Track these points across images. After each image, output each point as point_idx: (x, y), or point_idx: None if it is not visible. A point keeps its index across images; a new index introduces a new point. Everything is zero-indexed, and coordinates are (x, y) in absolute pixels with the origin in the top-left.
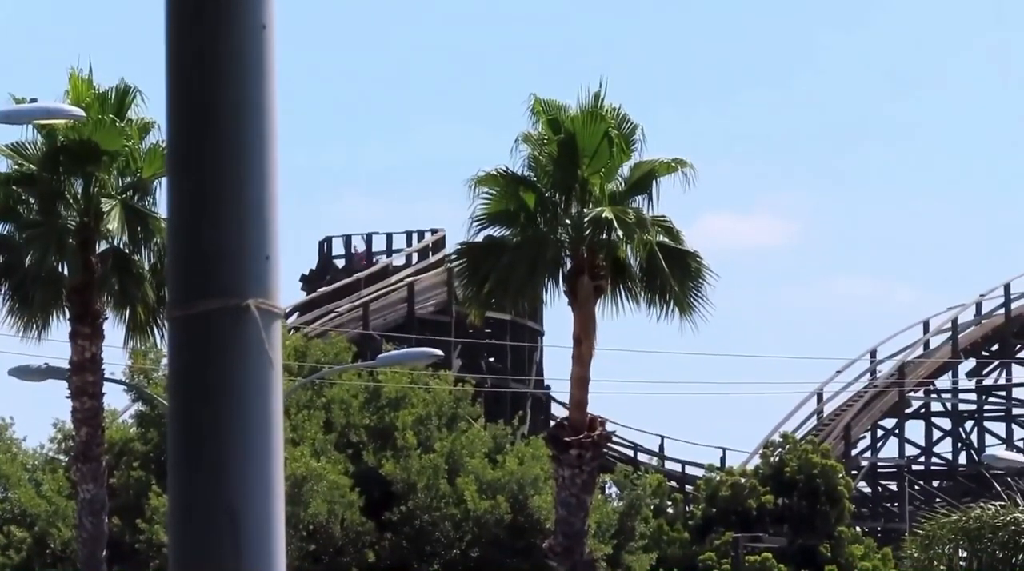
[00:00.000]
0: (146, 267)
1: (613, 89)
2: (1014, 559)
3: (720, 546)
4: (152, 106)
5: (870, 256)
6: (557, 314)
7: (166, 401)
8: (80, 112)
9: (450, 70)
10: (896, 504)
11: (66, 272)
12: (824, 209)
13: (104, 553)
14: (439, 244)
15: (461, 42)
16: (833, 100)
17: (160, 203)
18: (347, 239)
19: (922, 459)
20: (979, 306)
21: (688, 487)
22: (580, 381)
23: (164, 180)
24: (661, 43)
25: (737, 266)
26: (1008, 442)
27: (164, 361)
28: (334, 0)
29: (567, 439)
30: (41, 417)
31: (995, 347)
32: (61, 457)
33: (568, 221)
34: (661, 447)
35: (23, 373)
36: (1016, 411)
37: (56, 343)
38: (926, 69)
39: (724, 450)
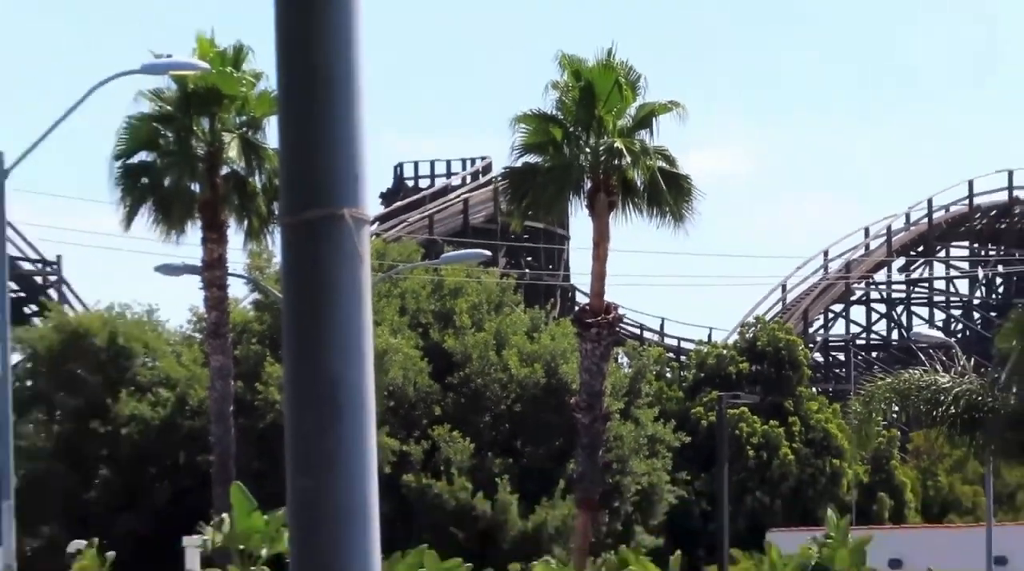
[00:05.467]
0: (259, 186)
1: (622, 44)
2: (935, 412)
3: (707, 402)
4: (261, 60)
5: (820, 176)
6: (580, 223)
7: (278, 292)
8: (206, 65)
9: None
10: (843, 370)
11: (197, 190)
12: (780, 140)
13: (231, 408)
14: (487, 169)
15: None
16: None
17: (269, 137)
18: (415, 165)
19: (863, 336)
20: (908, 216)
21: (682, 357)
22: (598, 275)
23: (273, 118)
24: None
25: (719, 187)
26: (930, 322)
27: (276, 260)
28: None
29: (588, 321)
30: (180, 304)
31: (920, 248)
32: (196, 335)
33: (588, 150)
34: (662, 326)
35: (166, 270)
36: (937, 298)
37: (191, 246)
38: None
39: (711, 329)
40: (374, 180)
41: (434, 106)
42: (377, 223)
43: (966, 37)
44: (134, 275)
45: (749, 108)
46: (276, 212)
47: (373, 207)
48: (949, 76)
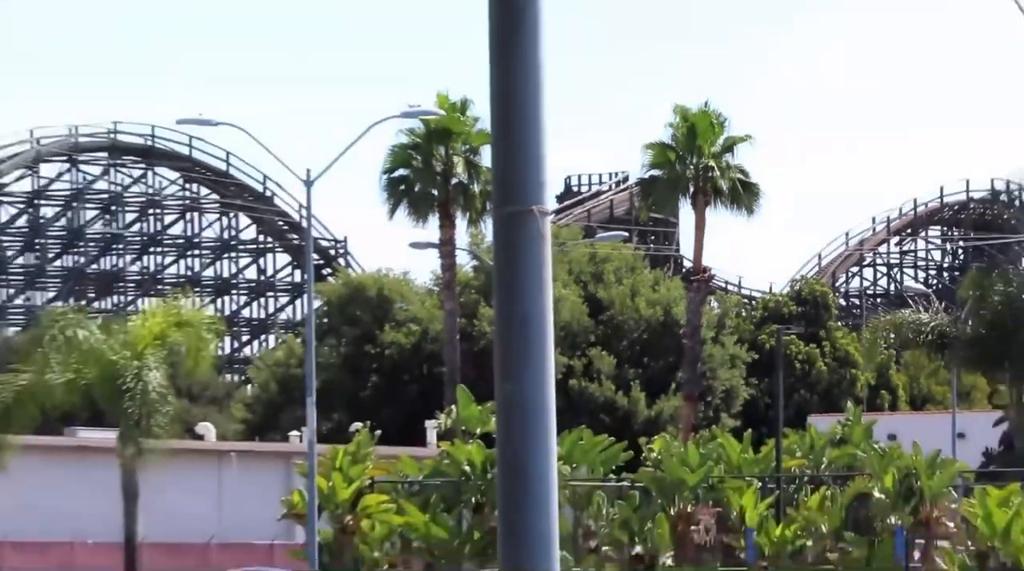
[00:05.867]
0: (476, 191)
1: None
2: (918, 338)
3: (769, 332)
4: (479, 107)
5: (843, 184)
6: (686, 214)
7: (489, 260)
8: (442, 112)
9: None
10: (858, 311)
11: (436, 194)
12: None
13: (457, 336)
14: (625, 179)
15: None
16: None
17: (483, 158)
18: (578, 176)
19: (871, 288)
20: (900, 210)
21: (752, 301)
22: (698, 249)
23: (486, 146)
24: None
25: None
26: (915, 279)
27: (487, 239)
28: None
29: (691, 278)
30: (424, 267)
31: (908, 230)
32: (435, 288)
33: (691, 167)
34: (739, 281)
35: (416, 245)
36: (920, 263)
37: (431, 230)
38: None
39: (771, 283)
40: (551, 186)
41: (589, 132)
42: (553, 215)
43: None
44: (395, 249)
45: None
46: (489, 208)
47: (551, 204)
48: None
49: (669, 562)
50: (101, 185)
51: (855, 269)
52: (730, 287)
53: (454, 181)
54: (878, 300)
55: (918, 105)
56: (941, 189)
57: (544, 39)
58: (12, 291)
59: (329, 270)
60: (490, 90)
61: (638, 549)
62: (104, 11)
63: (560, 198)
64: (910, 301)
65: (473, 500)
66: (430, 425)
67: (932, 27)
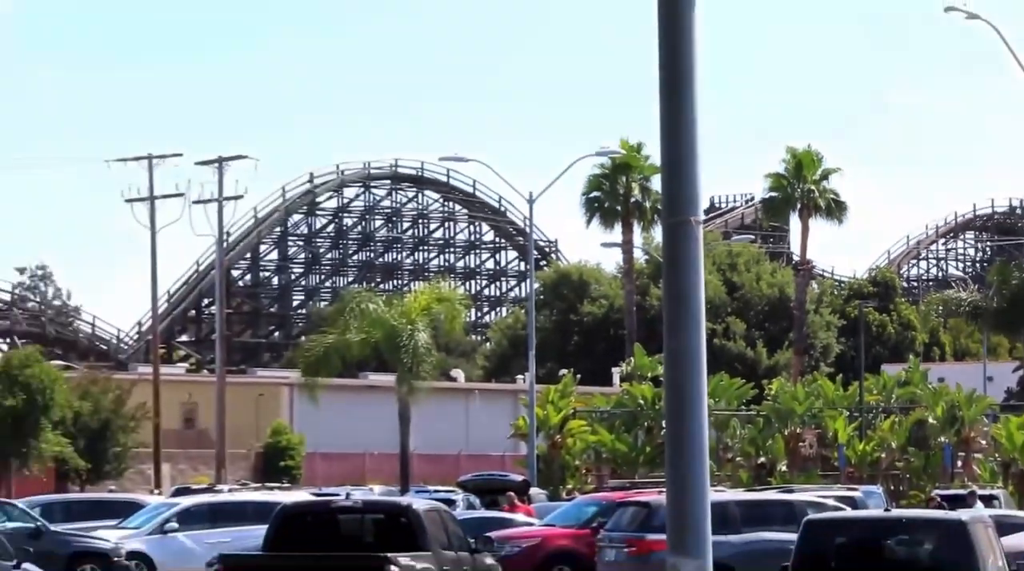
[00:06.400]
0: (648, 206)
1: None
2: (959, 309)
3: (853, 305)
4: (651, 147)
5: (905, 197)
6: (795, 223)
7: (658, 256)
8: (623, 151)
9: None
10: (917, 291)
11: (619, 209)
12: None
13: (634, 308)
14: (752, 198)
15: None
16: None
17: (654, 184)
18: (726, 196)
19: (926, 274)
20: (946, 219)
21: (841, 283)
22: (803, 247)
23: (656, 175)
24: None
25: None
26: (960, 270)
27: (657, 241)
28: None
29: (799, 267)
30: (611, 260)
31: (952, 233)
32: (618, 275)
33: (798, 190)
34: (832, 270)
35: (606, 245)
36: (960, 256)
37: (616, 234)
38: None
39: (855, 270)
40: (702, 202)
41: (723, 162)
42: (703, 223)
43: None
44: (588, 247)
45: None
46: (658, 218)
47: (702, 215)
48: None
49: (783, 469)
50: (386, 203)
51: (914, 261)
52: (825, 274)
53: (632, 200)
54: (930, 283)
55: (959, 135)
56: (974, 205)
57: (700, 94)
58: (322, 277)
59: (545, 262)
60: (660, 133)
61: (761, 459)
62: (381, 66)
63: (707, 211)
64: (952, 284)
65: (645, 424)
66: (615, 371)
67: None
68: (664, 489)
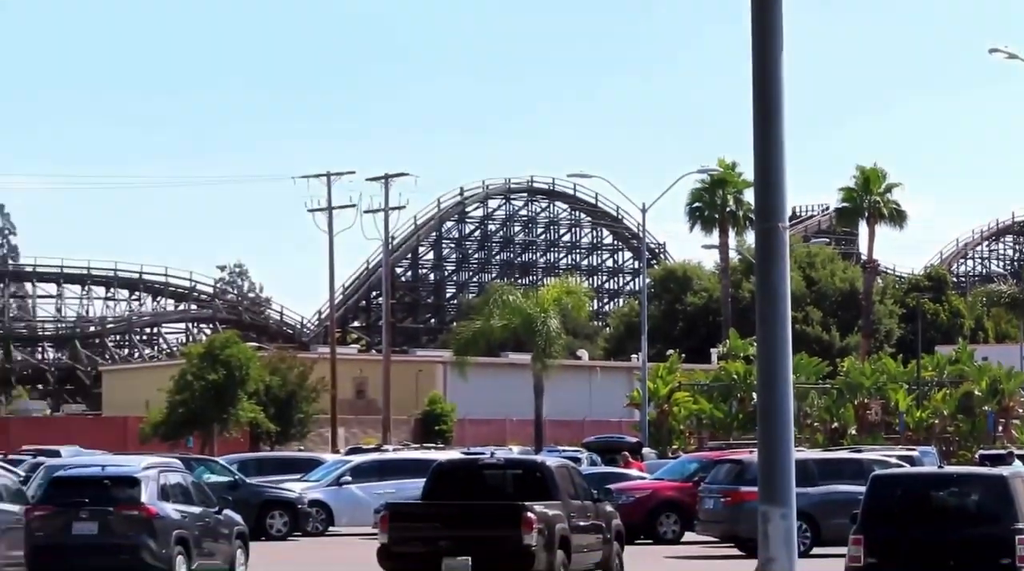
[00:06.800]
0: (740, 214)
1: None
2: (1000, 300)
3: (913, 297)
4: (745, 166)
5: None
6: (863, 229)
7: (750, 256)
8: (720, 169)
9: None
10: (965, 285)
11: (716, 216)
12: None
13: (729, 299)
14: (828, 207)
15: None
16: None
17: (746, 195)
18: (805, 206)
19: (974, 272)
20: (990, 224)
21: (902, 277)
22: (870, 248)
23: (748, 189)
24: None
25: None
26: (1001, 268)
27: (750, 244)
28: None
29: (866, 265)
30: (710, 259)
31: (995, 236)
32: (716, 271)
33: (865, 201)
34: (894, 267)
35: (706, 247)
36: (1001, 257)
37: (714, 238)
38: None
39: (912, 268)
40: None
41: (800, 176)
42: (788, 228)
43: None
44: (691, 249)
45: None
46: (749, 224)
47: (787, 221)
48: None
49: (853, 432)
50: (523, 212)
51: (962, 260)
52: (888, 270)
53: (727, 209)
54: (975, 279)
55: (998, 152)
56: (1012, 213)
57: (786, 116)
58: (470, 273)
59: (655, 261)
60: (753, 153)
61: (835, 425)
62: (520, 95)
63: (790, 218)
64: (994, 279)
65: (738, 395)
66: (713, 351)
67: None
68: (754, 449)
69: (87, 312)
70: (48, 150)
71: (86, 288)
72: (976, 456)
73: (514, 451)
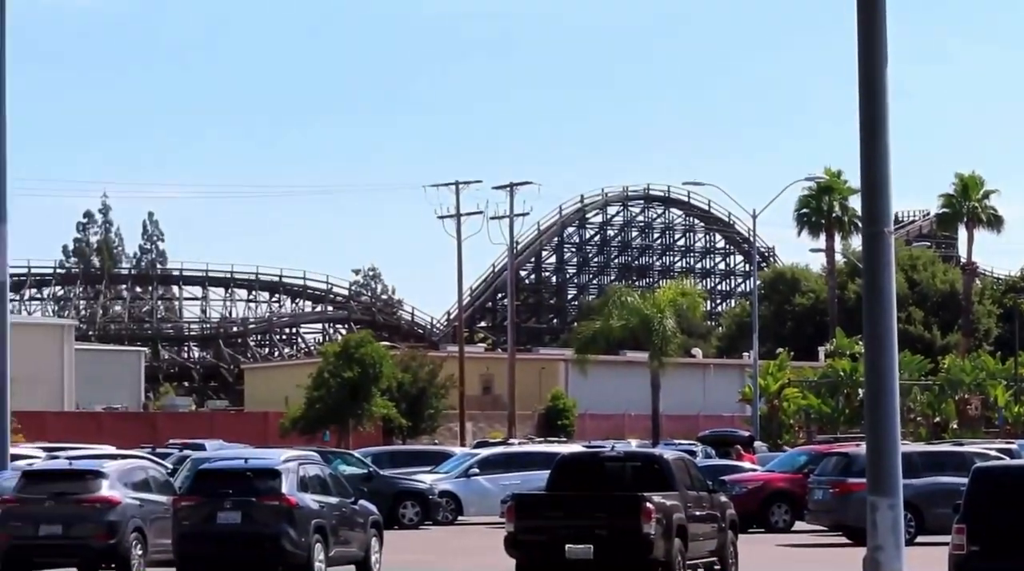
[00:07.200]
0: (845, 219)
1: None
2: None
3: (1010, 298)
4: (848, 174)
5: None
6: (963, 233)
7: (856, 259)
8: (826, 177)
9: None
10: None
11: (823, 222)
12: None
13: (835, 300)
14: (928, 213)
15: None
16: None
17: (852, 202)
18: (907, 211)
19: None
20: None
21: (1000, 280)
22: (969, 251)
23: (853, 196)
24: None
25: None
26: None
27: (857, 247)
28: None
29: (965, 267)
30: (816, 262)
31: None
32: (822, 273)
33: (964, 207)
34: (992, 269)
35: (814, 250)
36: None
37: (821, 242)
38: None
39: (1009, 270)
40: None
41: (903, 179)
42: (893, 232)
43: None
44: (799, 252)
45: None
46: (854, 229)
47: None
48: None
49: (954, 427)
50: (640, 218)
51: None
52: (987, 272)
53: (833, 215)
54: None
55: None
56: None
57: (891, 126)
58: (590, 276)
59: (765, 264)
60: (860, 161)
61: (937, 419)
62: (637, 107)
63: (894, 223)
64: None
65: (845, 391)
66: (821, 349)
67: None
68: (861, 442)
69: (230, 313)
70: (194, 161)
71: (229, 291)
72: None
73: (633, 444)
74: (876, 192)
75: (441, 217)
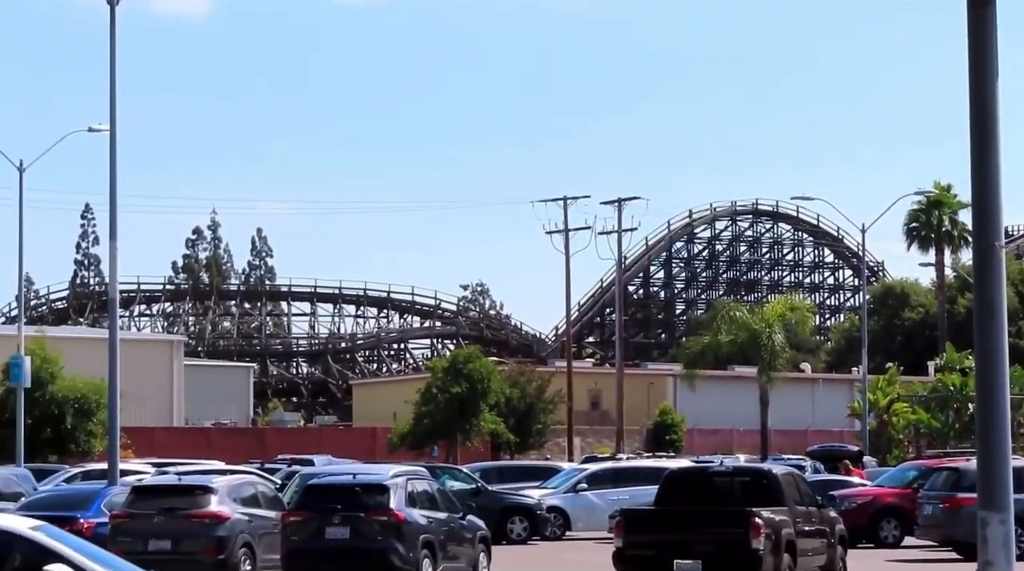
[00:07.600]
0: (955, 234)
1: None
2: None
3: None
4: (958, 188)
5: None
6: None
7: (966, 274)
8: (936, 191)
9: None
10: None
11: (933, 236)
12: None
13: (945, 314)
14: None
15: None
16: None
17: (959, 217)
18: (1017, 226)
19: None
20: None
21: None
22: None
23: (963, 210)
24: None
25: None
26: None
27: (968, 261)
28: None
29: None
30: (926, 276)
31: None
32: (932, 287)
33: None
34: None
35: (923, 265)
36: None
37: (931, 256)
38: None
39: None
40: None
41: (1013, 193)
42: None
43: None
44: (909, 266)
45: None
46: (962, 243)
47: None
48: None
49: None
50: (748, 233)
51: None
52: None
53: (943, 229)
54: None
55: None
56: None
57: (1002, 143)
58: (699, 291)
59: (874, 278)
60: (971, 175)
61: None
62: (745, 125)
63: (1004, 237)
64: None
65: (955, 406)
66: (930, 364)
67: None
68: (971, 457)
69: (338, 329)
70: (302, 177)
71: (337, 306)
72: None
73: (741, 459)
74: (987, 206)
75: (549, 232)
